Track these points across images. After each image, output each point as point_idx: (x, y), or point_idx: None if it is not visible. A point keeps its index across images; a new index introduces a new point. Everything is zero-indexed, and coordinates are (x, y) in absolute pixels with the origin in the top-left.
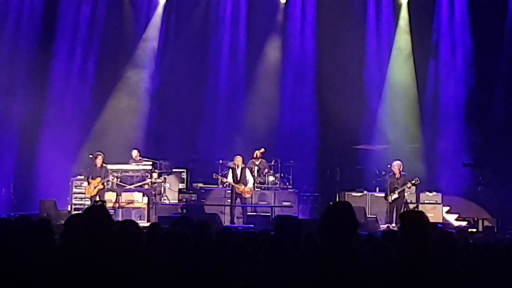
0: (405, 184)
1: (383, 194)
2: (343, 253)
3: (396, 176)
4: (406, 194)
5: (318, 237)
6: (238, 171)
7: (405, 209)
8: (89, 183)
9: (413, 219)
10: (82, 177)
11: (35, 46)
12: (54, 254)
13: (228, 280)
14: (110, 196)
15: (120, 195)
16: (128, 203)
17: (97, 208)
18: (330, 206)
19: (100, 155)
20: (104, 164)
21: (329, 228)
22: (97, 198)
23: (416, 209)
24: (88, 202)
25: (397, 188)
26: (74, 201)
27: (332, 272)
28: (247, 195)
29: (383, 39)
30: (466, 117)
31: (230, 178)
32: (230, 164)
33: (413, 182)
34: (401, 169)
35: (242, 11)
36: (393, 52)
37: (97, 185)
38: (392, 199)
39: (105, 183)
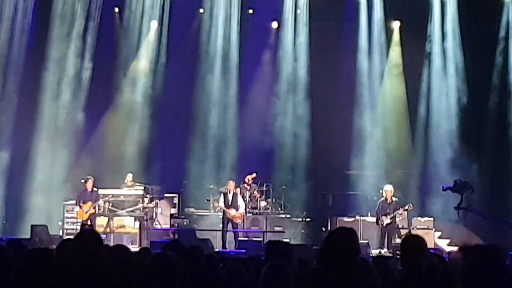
0: (397, 209)
1: (374, 219)
2: (343, 278)
3: (388, 201)
4: (398, 219)
5: (317, 261)
6: (230, 196)
7: (396, 235)
8: (80, 207)
9: (413, 245)
10: (74, 201)
11: (26, 64)
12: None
13: None
14: (102, 221)
15: (112, 220)
16: (120, 228)
17: (89, 233)
18: (333, 230)
19: (91, 179)
20: (94, 188)
21: (331, 253)
22: (89, 222)
23: (408, 234)
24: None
25: (388, 213)
26: (66, 226)
27: None
28: (238, 220)
29: (374, 64)
30: (458, 138)
31: (221, 203)
32: (222, 189)
33: (406, 208)
34: (392, 194)
35: (233, 33)
36: (385, 76)
37: (89, 210)
38: (385, 224)
39: (97, 207)
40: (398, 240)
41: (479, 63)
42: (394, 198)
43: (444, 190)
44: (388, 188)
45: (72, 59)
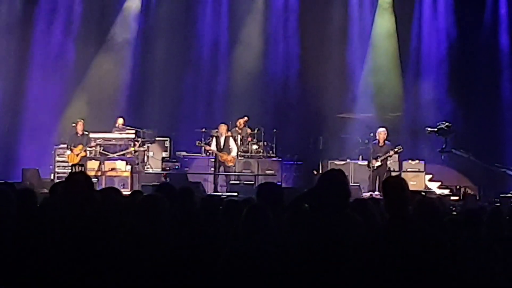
0: (388, 152)
1: (366, 162)
2: (337, 220)
3: (380, 144)
4: (389, 162)
5: (308, 203)
6: (222, 140)
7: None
8: (71, 151)
9: (393, 185)
10: (65, 145)
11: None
12: (36, 221)
13: (212, 245)
14: (93, 165)
15: (103, 163)
16: (111, 171)
17: (80, 176)
18: (324, 173)
19: (81, 121)
20: (85, 132)
21: (323, 195)
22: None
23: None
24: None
25: (380, 156)
26: (57, 170)
27: (324, 238)
28: (230, 164)
29: (366, 10)
30: (449, 81)
31: (213, 147)
32: (214, 132)
33: (396, 150)
34: (385, 137)
35: None
36: (376, 14)
37: (80, 153)
38: (375, 166)
39: (88, 151)
40: None
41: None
42: (386, 142)
43: (428, 133)
44: (381, 131)
45: None
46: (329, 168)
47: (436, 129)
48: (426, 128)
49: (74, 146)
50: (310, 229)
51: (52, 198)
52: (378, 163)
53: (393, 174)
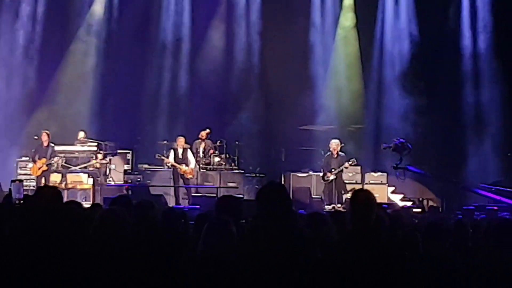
0: (342, 164)
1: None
2: (277, 230)
3: (334, 156)
4: (350, 174)
5: (253, 217)
6: (180, 152)
7: (343, 190)
8: (34, 163)
9: (363, 198)
10: (27, 158)
11: None
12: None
13: (171, 258)
14: (55, 178)
15: (66, 176)
16: (73, 184)
17: (49, 189)
18: (261, 187)
19: (45, 132)
20: (51, 144)
21: (262, 208)
22: (42, 180)
23: (357, 188)
24: (33, 183)
25: (334, 169)
26: (28, 183)
27: (268, 249)
28: (189, 176)
29: (328, 19)
30: (412, 91)
31: (171, 158)
32: (175, 145)
33: (350, 163)
34: (338, 149)
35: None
36: (338, 30)
37: (42, 166)
38: (330, 179)
39: (50, 165)
40: (347, 196)
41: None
42: (340, 153)
43: (384, 148)
44: (334, 142)
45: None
46: (291, 181)
47: (390, 146)
48: (382, 144)
49: (39, 158)
50: (253, 240)
51: (20, 212)
52: (333, 177)
53: (356, 186)
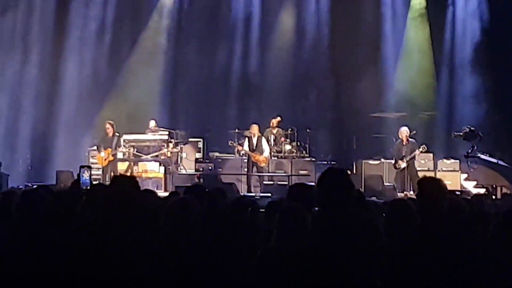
0: (413, 151)
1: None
2: (343, 219)
3: (404, 143)
4: (423, 161)
5: (317, 205)
6: (254, 140)
7: (415, 177)
8: (99, 153)
9: (431, 186)
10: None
11: (50, 13)
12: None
13: (242, 246)
14: (123, 166)
15: (136, 164)
16: (143, 173)
17: (126, 178)
18: (321, 174)
19: (109, 123)
20: (116, 134)
21: (323, 195)
22: (109, 169)
23: (434, 176)
24: (100, 172)
25: (405, 156)
26: (93, 172)
27: (335, 238)
28: (263, 164)
29: (398, 5)
30: (484, 78)
31: (246, 147)
32: (246, 133)
33: (420, 149)
34: (408, 135)
35: None
36: (409, 16)
37: (108, 157)
38: (401, 167)
39: (116, 155)
40: None
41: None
42: (410, 140)
43: (455, 137)
44: (403, 129)
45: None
46: (363, 168)
47: (461, 134)
48: (453, 132)
49: (104, 149)
50: (319, 228)
51: (91, 200)
52: (404, 164)
53: (428, 173)
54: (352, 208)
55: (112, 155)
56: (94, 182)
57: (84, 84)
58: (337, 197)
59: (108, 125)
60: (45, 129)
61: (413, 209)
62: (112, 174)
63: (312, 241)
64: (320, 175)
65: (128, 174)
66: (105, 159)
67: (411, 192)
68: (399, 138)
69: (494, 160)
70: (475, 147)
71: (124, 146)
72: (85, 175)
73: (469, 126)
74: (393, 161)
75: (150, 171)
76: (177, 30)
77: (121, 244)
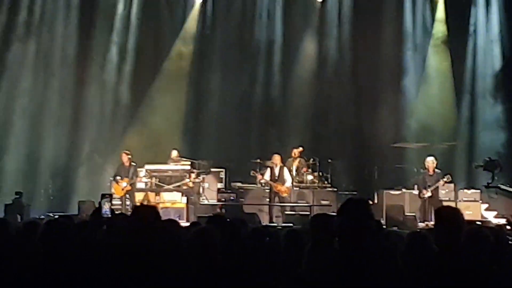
0: (438, 181)
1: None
2: (360, 249)
3: (430, 173)
4: (444, 192)
5: (337, 235)
6: (277, 170)
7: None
8: (117, 183)
9: (448, 215)
10: (118, 177)
11: (72, 38)
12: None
13: (261, 277)
14: (139, 196)
15: (159, 195)
16: (162, 203)
17: (147, 208)
18: (342, 204)
19: (125, 153)
20: (132, 163)
21: (344, 225)
22: (127, 199)
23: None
24: (119, 202)
25: (430, 186)
26: (113, 201)
27: (351, 269)
28: (285, 194)
29: (419, 34)
30: (506, 108)
31: (267, 177)
32: (268, 163)
33: (445, 179)
34: (435, 166)
35: (278, 8)
36: (430, 46)
37: (126, 186)
38: (426, 196)
39: (134, 184)
40: None
41: None
42: (436, 170)
43: (476, 167)
44: (430, 160)
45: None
46: (384, 198)
47: (482, 165)
48: (473, 163)
49: (121, 179)
50: (340, 259)
51: (112, 229)
52: (429, 193)
53: (449, 203)
54: (370, 239)
55: (130, 185)
56: (116, 212)
57: (105, 112)
58: (356, 227)
59: (124, 155)
60: (66, 158)
61: (430, 239)
62: (130, 203)
63: (337, 273)
64: (340, 205)
65: (155, 204)
66: (123, 189)
67: (432, 222)
68: (425, 168)
69: None
70: (496, 178)
71: (146, 176)
72: (106, 205)
73: (490, 157)
74: (416, 191)
75: (172, 201)
76: (199, 57)
77: (143, 273)
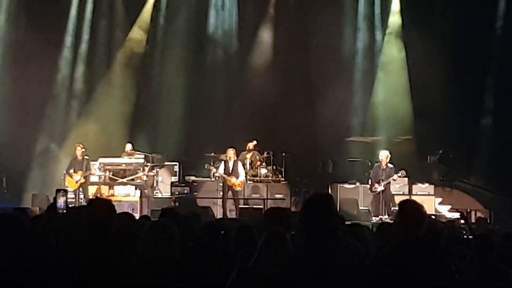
0: (391, 176)
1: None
2: (325, 244)
3: (382, 167)
4: (398, 186)
5: (299, 230)
6: (230, 164)
7: (391, 203)
8: (70, 176)
9: (412, 209)
10: (71, 170)
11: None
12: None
13: (217, 270)
14: (92, 190)
15: (113, 188)
16: (121, 197)
17: (102, 201)
18: (308, 198)
19: (79, 146)
20: (85, 157)
21: (308, 221)
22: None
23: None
24: (72, 196)
25: (382, 180)
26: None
27: (316, 263)
28: (239, 188)
29: (374, 26)
30: (459, 101)
31: (221, 170)
32: (223, 156)
33: (399, 175)
34: (388, 160)
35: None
36: (385, 38)
37: (79, 179)
38: (378, 191)
39: (88, 177)
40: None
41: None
42: (389, 165)
43: (430, 161)
44: (384, 154)
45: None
46: (339, 192)
47: (436, 157)
48: (428, 157)
49: (75, 172)
50: (303, 253)
51: (64, 222)
52: (381, 188)
53: (402, 197)
54: (337, 233)
55: (84, 178)
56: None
57: (58, 104)
58: (323, 223)
59: (77, 148)
60: (21, 152)
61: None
62: (83, 196)
63: (294, 266)
64: (305, 200)
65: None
66: (76, 182)
67: (386, 217)
68: (379, 161)
69: (468, 184)
70: (451, 171)
71: (100, 169)
72: (61, 199)
73: (443, 150)
74: (368, 185)
75: (126, 194)
76: (153, 48)
77: (98, 267)
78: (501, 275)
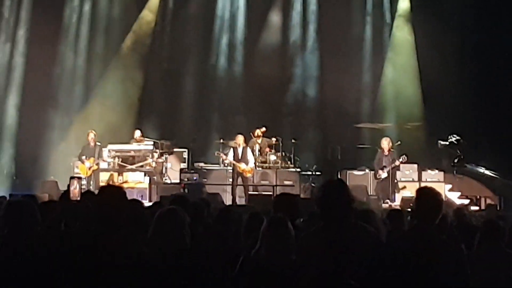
0: (394, 162)
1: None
2: (343, 230)
3: (385, 153)
4: (407, 172)
5: (309, 216)
6: (240, 150)
7: (395, 189)
8: (83, 163)
9: (429, 196)
10: (83, 157)
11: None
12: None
13: (227, 256)
14: (105, 176)
15: (122, 175)
16: (125, 183)
17: (113, 188)
18: (322, 185)
19: (91, 132)
20: (97, 143)
21: (325, 207)
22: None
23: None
24: (84, 182)
25: (385, 167)
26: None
27: (334, 248)
28: (248, 175)
29: (383, 11)
30: (470, 88)
31: (231, 157)
32: (232, 143)
33: (401, 160)
34: (390, 146)
35: None
36: (395, 22)
37: (91, 166)
38: (382, 178)
39: (100, 164)
40: (398, 194)
41: None
42: (392, 150)
43: (441, 146)
44: (385, 140)
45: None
46: (348, 179)
47: (447, 143)
48: (438, 142)
49: (87, 158)
50: (318, 240)
51: (77, 209)
52: (385, 174)
53: (412, 184)
54: (354, 220)
55: (96, 164)
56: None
57: (68, 93)
58: (339, 209)
59: (90, 134)
60: (29, 139)
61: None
62: (95, 184)
63: (302, 252)
64: (320, 187)
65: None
66: (89, 168)
67: (395, 203)
68: (381, 148)
69: (481, 170)
70: (462, 157)
71: (109, 156)
72: (76, 187)
73: (454, 135)
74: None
75: (135, 181)
76: (161, 32)
77: (109, 253)
78: (509, 261)
